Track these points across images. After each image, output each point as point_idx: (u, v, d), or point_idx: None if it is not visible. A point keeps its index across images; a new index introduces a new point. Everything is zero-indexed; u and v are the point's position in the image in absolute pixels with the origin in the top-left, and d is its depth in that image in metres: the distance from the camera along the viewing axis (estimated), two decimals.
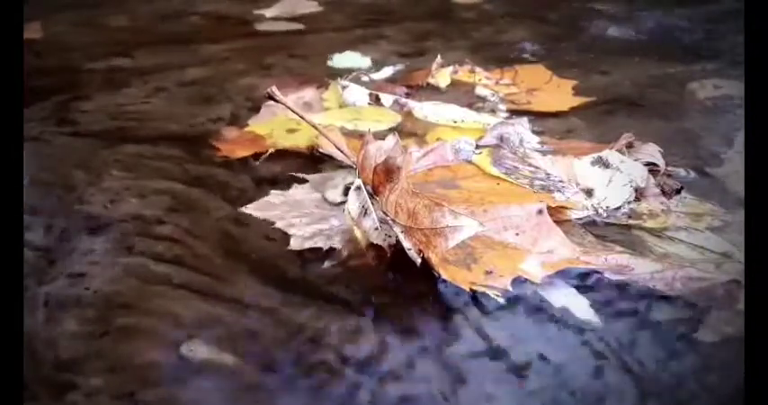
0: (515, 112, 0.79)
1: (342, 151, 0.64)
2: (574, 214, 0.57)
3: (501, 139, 0.68)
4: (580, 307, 0.48)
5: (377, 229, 0.54)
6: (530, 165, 0.63)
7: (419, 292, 0.50)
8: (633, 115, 0.79)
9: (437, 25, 1.16)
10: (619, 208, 0.59)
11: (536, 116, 0.78)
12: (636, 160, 0.62)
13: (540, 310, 0.49)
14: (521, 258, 0.51)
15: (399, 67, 0.95)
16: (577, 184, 0.60)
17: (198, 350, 0.45)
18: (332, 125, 0.75)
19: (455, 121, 0.76)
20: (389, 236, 0.53)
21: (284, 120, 0.77)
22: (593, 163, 0.61)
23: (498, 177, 0.62)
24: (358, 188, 0.55)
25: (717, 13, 1.16)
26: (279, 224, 0.58)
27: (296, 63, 0.99)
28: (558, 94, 0.85)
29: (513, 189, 0.60)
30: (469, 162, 0.64)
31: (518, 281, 0.50)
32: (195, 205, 0.62)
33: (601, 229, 0.57)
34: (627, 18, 1.15)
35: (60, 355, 0.45)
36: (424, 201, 0.51)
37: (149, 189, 0.65)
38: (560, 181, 0.61)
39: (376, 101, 0.81)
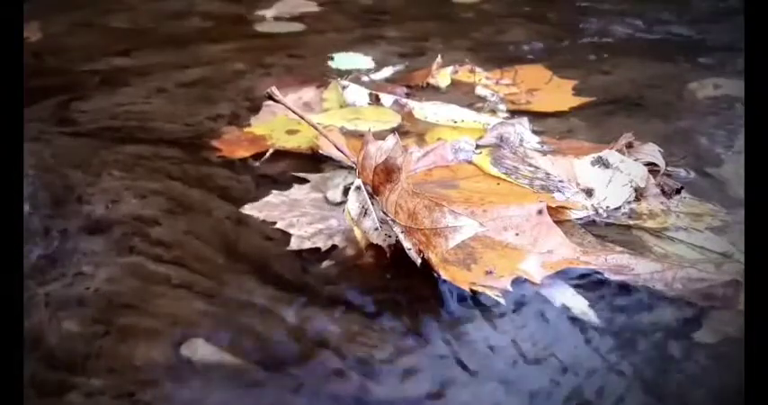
0: (515, 112, 0.79)
1: (342, 151, 0.64)
2: (574, 214, 0.57)
3: (501, 139, 0.68)
4: (580, 307, 0.48)
5: (377, 229, 0.54)
6: (530, 165, 0.63)
7: (419, 292, 0.50)
8: (633, 115, 0.79)
9: (437, 25, 1.16)
10: (619, 208, 0.59)
11: (536, 116, 0.78)
12: (636, 160, 0.62)
13: (539, 310, 0.49)
14: (521, 258, 0.51)
15: (399, 67, 0.95)
16: (577, 184, 0.60)
17: (198, 350, 0.45)
18: (332, 125, 0.75)
19: (455, 121, 0.76)
20: (389, 236, 0.53)
21: (284, 120, 0.77)
22: (593, 163, 0.61)
23: (498, 177, 0.62)
24: (358, 188, 0.55)
25: (717, 13, 1.16)
26: (279, 224, 0.58)
27: (296, 63, 0.99)
28: (558, 94, 0.85)
29: (513, 189, 0.60)
30: (469, 162, 0.64)
31: (518, 281, 0.50)
32: (195, 205, 0.62)
33: (601, 229, 0.57)
34: (627, 18, 1.15)
35: (60, 356, 0.45)
36: (424, 201, 0.51)
37: (149, 189, 0.65)
38: (560, 181, 0.61)
39: (376, 101, 0.81)
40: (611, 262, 0.52)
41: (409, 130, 0.75)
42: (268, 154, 0.70)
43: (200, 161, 0.70)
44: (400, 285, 0.51)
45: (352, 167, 0.64)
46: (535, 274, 0.50)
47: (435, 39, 1.08)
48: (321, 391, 0.42)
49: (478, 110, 0.79)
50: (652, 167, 0.62)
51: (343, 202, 0.60)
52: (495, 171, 0.62)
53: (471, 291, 0.48)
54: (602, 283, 0.51)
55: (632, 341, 0.46)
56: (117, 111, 0.83)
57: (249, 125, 0.78)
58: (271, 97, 0.62)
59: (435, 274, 0.50)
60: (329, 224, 0.58)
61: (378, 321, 0.48)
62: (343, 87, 0.83)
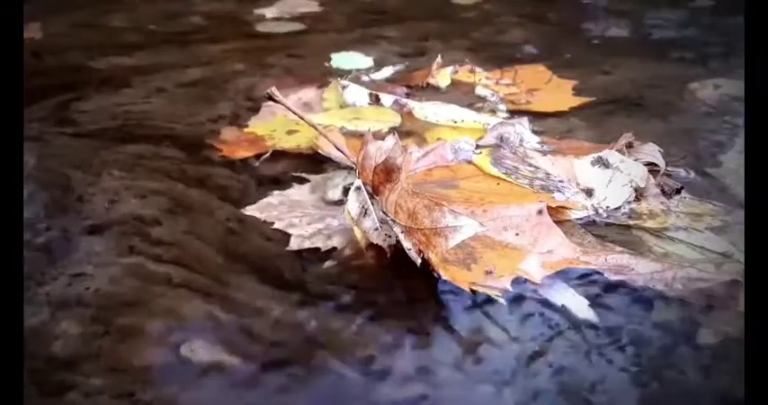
0: (515, 112, 0.79)
1: (342, 151, 0.64)
2: (574, 214, 0.57)
3: (501, 139, 0.68)
4: (580, 307, 0.48)
5: (377, 229, 0.54)
6: (530, 165, 0.63)
7: (419, 292, 0.50)
8: (633, 115, 0.79)
9: (437, 25, 1.16)
10: (619, 208, 0.59)
11: (536, 116, 0.78)
12: (636, 160, 0.62)
13: (539, 310, 0.49)
14: (521, 258, 0.51)
15: (399, 67, 0.95)
16: (577, 184, 0.60)
17: (198, 350, 0.45)
18: (332, 125, 0.75)
19: (455, 121, 0.76)
20: (389, 236, 0.53)
21: (284, 120, 0.77)
22: (593, 163, 0.61)
23: (498, 177, 0.62)
24: (358, 188, 0.55)
25: (717, 13, 1.16)
26: (279, 224, 0.58)
27: (296, 63, 0.99)
28: (558, 94, 0.85)
29: (513, 189, 0.60)
30: (469, 162, 0.64)
31: (518, 281, 0.50)
32: (195, 206, 0.62)
33: (601, 229, 0.57)
34: (627, 18, 1.15)
35: (60, 355, 0.45)
36: (424, 201, 0.51)
37: (149, 189, 0.65)
38: (560, 181, 0.61)
39: (376, 101, 0.81)
40: (611, 262, 0.52)
41: (409, 130, 0.75)
42: (268, 154, 0.70)
43: (201, 161, 0.70)
44: (400, 285, 0.51)
45: (352, 167, 0.64)
46: (535, 274, 0.50)
47: (435, 39, 1.08)
48: (321, 392, 0.42)
49: (478, 110, 0.79)
50: (652, 167, 0.62)
51: (340, 202, 0.60)
52: (495, 171, 0.62)
53: (471, 291, 0.48)
54: (603, 283, 0.51)
55: (632, 341, 0.46)
56: (117, 111, 0.83)
57: (249, 125, 0.78)
58: (271, 98, 0.62)
59: (435, 274, 0.50)
60: (329, 224, 0.58)
61: (378, 321, 0.48)
62: (343, 87, 0.83)
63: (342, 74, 0.90)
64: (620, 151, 0.63)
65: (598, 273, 0.51)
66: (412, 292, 0.50)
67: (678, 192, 0.61)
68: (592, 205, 0.58)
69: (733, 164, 0.66)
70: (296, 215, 0.59)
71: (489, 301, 0.48)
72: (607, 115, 0.79)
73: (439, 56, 0.91)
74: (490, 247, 0.52)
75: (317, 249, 0.55)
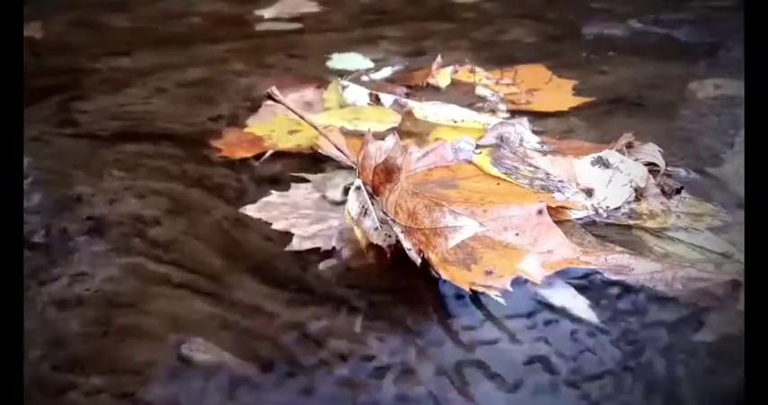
0: (515, 112, 0.79)
1: (342, 151, 0.64)
2: (574, 214, 0.57)
3: (501, 139, 0.68)
4: (580, 307, 0.48)
5: (377, 229, 0.54)
6: (530, 165, 0.63)
7: (419, 292, 0.50)
8: (633, 115, 0.79)
9: (437, 25, 1.16)
10: (619, 208, 0.59)
11: (536, 116, 0.78)
12: (636, 160, 0.62)
13: (539, 310, 0.49)
14: (521, 258, 0.51)
15: (399, 67, 0.95)
16: (577, 184, 0.60)
17: (198, 350, 0.45)
18: (332, 125, 0.75)
19: (455, 121, 0.76)
20: (389, 236, 0.53)
21: (284, 120, 0.77)
22: (593, 163, 0.61)
23: (498, 177, 0.62)
24: (358, 188, 0.55)
25: (717, 13, 1.16)
26: (279, 224, 0.58)
27: (296, 63, 0.99)
28: (558, 94, 0.85)
29: (513, 189, 0.60)
30: (469, 162, 0.64)
31: (518, 281, 0.50)
32: (195, 206, 0.62)
33: (601, 229, 0.57)
34: (627, 18, 1.15)
35: (60, 355, 0.45)
36: (423, 201, 0.51)
37: (149, 189, 0.65)
38: (560, 181, 0.61)
39: (376, 101, 0.81)
40: (611, 262, 0.52)
41: (409, 130, 0.75)
42: (268, 154, 0.70)
43: (201, 161, 0.70)
44: (400, 285, 0.51)
45: (352, 167, 0.64)
46: (535, 274, 0.50)
47: (435, 39, 1.08)
48: (321, 392, 0.42)
49: (478, 110, 0.79)
50: (652, 167, 0.62)
51: (343, 202, 0.60)
52: (495, 171, 0.62)
53: (471, 291, 0.48)
54: (602, 283, 0.51)
55: (632, 341, 0.46)
56: (117, 111, 0.83)
57: (249, 125, 0.78)
58: (271, 97, 0.62)
59: (435, 274, 0.50)
60: (329, 224, 0.58)
61: (378, 321, 0.48)
62: (344, 87, 0.83)
63: (342, 74, 0.90)
64: (620, 151, 0.63)
65: (598, 273, 0.51)
66: (412, 292, 0.50)
67: (678, 192, 0.61)
68: (592, 205, 0.58)
69: (733, 164, 0.66)
70: (296, 215, 0.59)
71: (489, 301, 0.48)
72: (607, 115, 0.79)
73: (439, 56, 0.91)
74: (490, 247, 0.52)
75: (317, 249, 0.55)
